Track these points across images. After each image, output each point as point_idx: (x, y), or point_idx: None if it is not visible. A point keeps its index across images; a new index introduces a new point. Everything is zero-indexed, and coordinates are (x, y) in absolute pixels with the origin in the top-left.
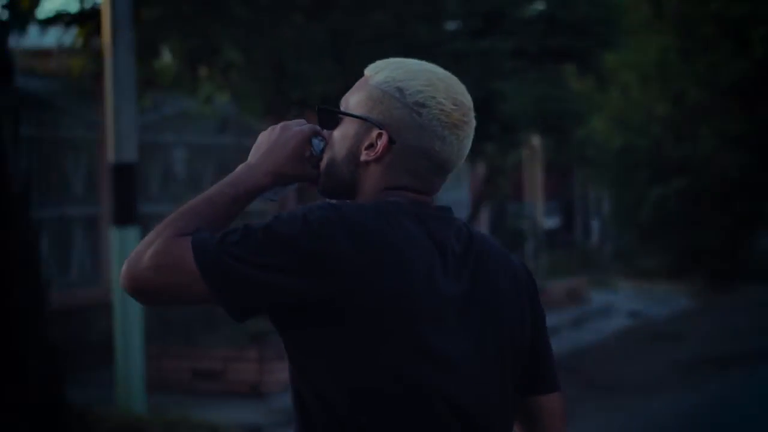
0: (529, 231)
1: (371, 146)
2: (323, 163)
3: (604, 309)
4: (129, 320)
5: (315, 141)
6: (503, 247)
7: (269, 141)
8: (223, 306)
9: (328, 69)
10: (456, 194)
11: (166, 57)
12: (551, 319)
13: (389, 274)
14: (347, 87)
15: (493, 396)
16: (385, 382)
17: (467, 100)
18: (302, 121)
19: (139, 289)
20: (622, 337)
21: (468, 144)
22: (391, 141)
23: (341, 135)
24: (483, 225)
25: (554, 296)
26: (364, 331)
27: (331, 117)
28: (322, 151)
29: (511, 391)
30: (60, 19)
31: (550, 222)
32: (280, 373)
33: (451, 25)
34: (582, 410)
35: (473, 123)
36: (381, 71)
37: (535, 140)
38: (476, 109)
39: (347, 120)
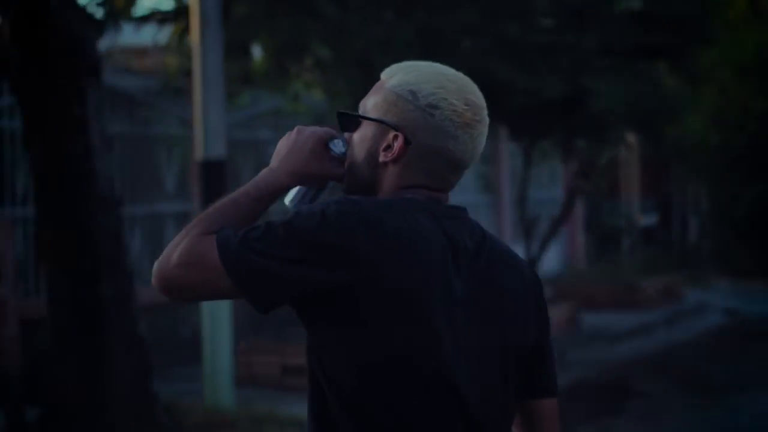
0: (624, 228)
1: (388, 147)
2: (346, 164)
3: (699, 307)
4: (217, 315)
5: (334, 143)
6: (512, 250)
7: (287, 145)
8: (248, 300)
9: None
10: (550, 192)
11: (258, 54)
12: (645, 317)
13: (404, 266)
14: None
15: (494, 392)
16: (394, 368)
17: (479, 99)
18: (317, 127)
19: (168, 286)
20: (716, 335)
21: (482, 141)
22: (406, 142)
23: (360, 137)
24: (577, 222)
25: (648, 294)
26: (378, 319)
27: (350, 120)
28: (344, 152)
29: (512, 389)
30: (154, 16)
31: (648, 219)
32: None
33: (541, 22)
34: (675, 408)
35: (486, 121)
36: (395, 75)
37: (631, 137)
38: (565, 105)
39: (365, 123)
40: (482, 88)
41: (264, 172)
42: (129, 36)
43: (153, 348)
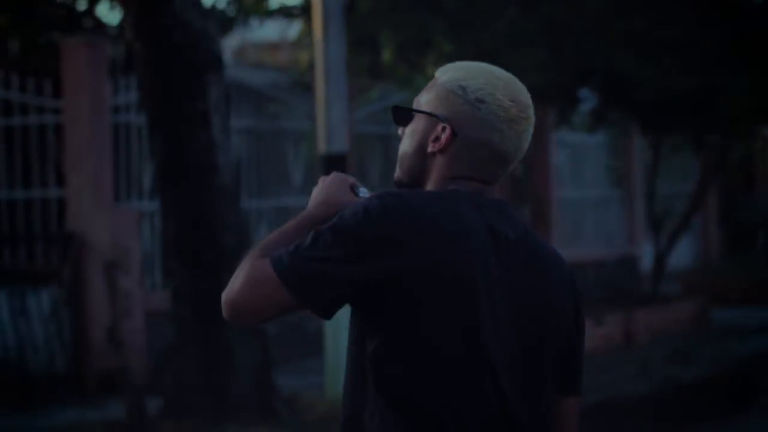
0: (759, 223)
1: (437, 139)
2: (398, 156)
3: None
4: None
5: (360, 189)
6: (553, 248)
7: (318, 187)
8: (308, 307)
9: (541, 59)
10: (684, 186)
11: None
12: None
13: (448, 252)
14: (560, 77)
15: (532, 383)
16: (439, 353)
17: (525, 98)
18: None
19: (235, 312)
20: None
21: (526, 138)
22: (454, 134)
23: (412, 130)
24: (711, 217)
25: None
26: (427, 305)
27: (404, 114)
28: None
29: (549, 381)
30: (282, 12)
31: None
32: None
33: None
34: None
35: (532, 120)
36: (447, 72)
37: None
38: (696, 100)
39: (417, 116)
40: (610, 83)
41: (305, 209)
42: (263, 31)
43: (279, 341)
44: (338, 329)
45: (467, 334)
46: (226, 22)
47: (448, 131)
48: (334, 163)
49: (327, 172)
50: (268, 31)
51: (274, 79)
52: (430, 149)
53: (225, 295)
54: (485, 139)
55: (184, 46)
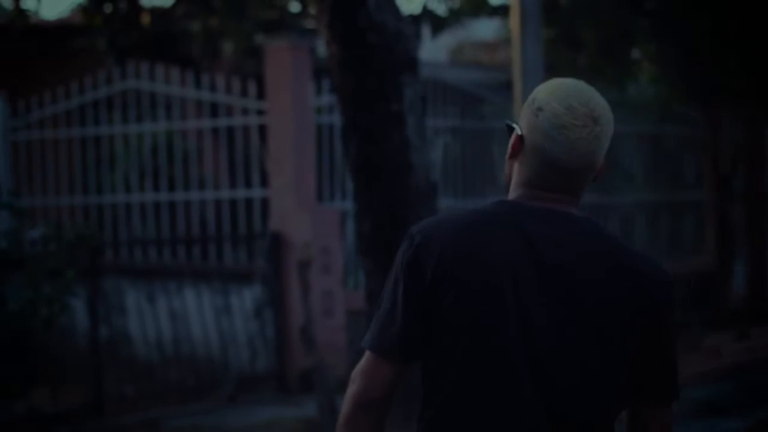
0: None
1: (512, 146)
2: None
3: None
4: None
5: None
6: (637, 257)
7: None
8: (400, 362)
9: (744, 57)
10: None
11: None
12: None
13: (464, 263)
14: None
15: (570, 381)
16: (462, 348)
17: (583, 106)
18: None
19: (359, 404)
20: None
21: (584, 146)
22: (521, 141)
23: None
24: None
25: None
26: (452, 309)
27: (509, 128)
28: None
29: (607, 386)
30: (488, 11)
31: None
32: None
33: None
34: None
35: (590, 128)
36: (537, 89)
37: None
38: None
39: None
40: None
41: None
42: (481, 30)
43: None
44: None
45: (487, 331)
46: (437, 22)
47: (514, 137)
48: None
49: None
50: (486, 30)
51: (488, 78)
52: (507, 156)
53: (347, 394)
54: (539, 145)
55: (379, 48)
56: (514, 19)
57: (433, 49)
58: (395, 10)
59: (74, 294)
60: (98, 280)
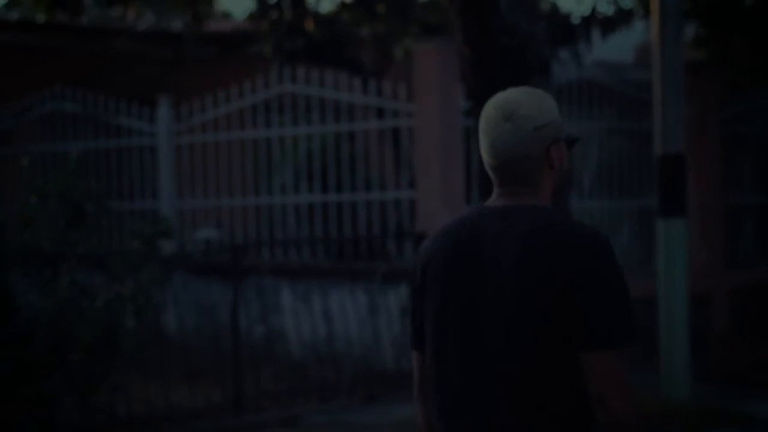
0: None
1: None
2: None
3: None
4: (674, 309)
5: None
6: (569, 232)
7: None
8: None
9: None
10: None
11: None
12: None
13: (426, 268)
14: None
15: (515, 343)
16: (430, 327)
17: (497, 110)
18: None
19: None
20: None
21: (500, 144)
22: None
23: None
24: None
25: None
26: (426, 300)
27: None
28: None
29: (540, 344)
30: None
31: None
32: None
33: None
34: None
35: (502, 126)
36: None
37: None
38: None
39: None
40: None
41: None
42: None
43: None
44: (672, 329)
45: (437, 313)
46: (606, 24)
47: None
48: (670, 163)
49: (664, 173)
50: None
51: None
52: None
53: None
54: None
55: (511, 50)
56: (654, 20)
57: (618, 49)
58: (527, 13)
59: (159, 287)
60: (239, 279)
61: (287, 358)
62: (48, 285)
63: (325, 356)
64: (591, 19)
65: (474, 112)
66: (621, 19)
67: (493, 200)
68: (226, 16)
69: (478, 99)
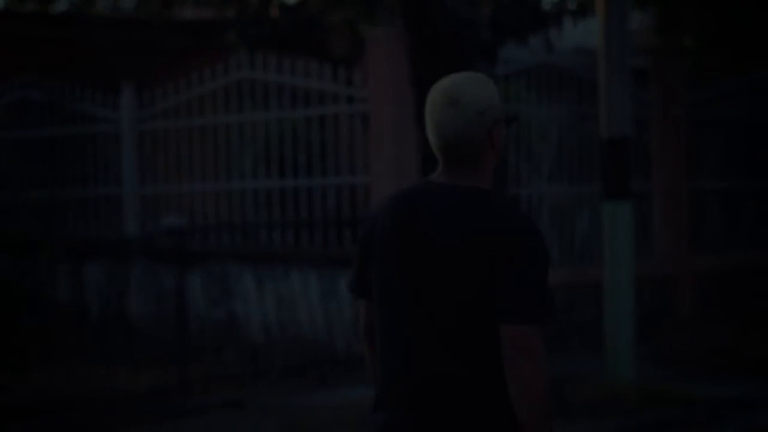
0: None
1: None
2: None
3: None
4: (619, 292)
5: None
6: (501, 215)
7: None
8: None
9: None
10: None
11: None
12: None
13: (370, 234)
14: None
15: (427, 310)
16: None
17: (441, 95)
18: None
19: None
20: None
21: (438, 126)
22: None
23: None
24: None
25: None
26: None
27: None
28: None
29: (457, 308)
30: None
31: None
32: None
33: None
34: None
35: (445, 112)
36: None
37: None
38: None
39: None
40: None
41: None
42: None
43: None
44: (618, 314)
45: (383, 279)
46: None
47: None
48: (615, 147)
49: (609, 157)
50: None
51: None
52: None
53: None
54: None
55: (450, 35)
56: (599, 2)
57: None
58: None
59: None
60: (186, 263)
61: (242, 342)
62: None
63: (280, 340)
64: (562, 6)
65: (415, 95)
66: (592, 5)
67: (437, 176)
68: (201, 3)
69: (418, 83)
